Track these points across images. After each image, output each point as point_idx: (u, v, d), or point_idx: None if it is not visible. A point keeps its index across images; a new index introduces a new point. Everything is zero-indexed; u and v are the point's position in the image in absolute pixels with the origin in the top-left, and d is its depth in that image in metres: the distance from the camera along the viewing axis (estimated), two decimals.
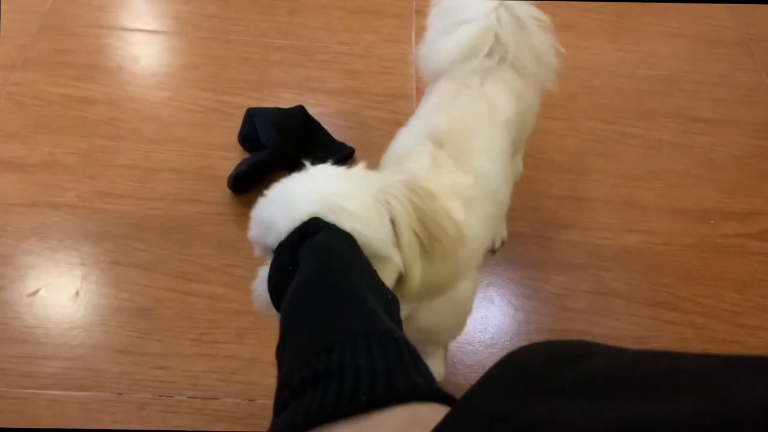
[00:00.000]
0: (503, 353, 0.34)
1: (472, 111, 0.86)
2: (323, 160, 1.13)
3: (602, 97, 1.33)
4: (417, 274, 0.64)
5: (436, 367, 0.95)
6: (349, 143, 1.18)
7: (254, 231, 0.64)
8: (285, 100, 1.23)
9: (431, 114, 0.86)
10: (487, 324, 0.99)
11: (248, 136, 1.15)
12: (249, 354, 0.93)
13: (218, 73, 1.29)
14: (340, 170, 0.63)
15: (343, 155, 1.15)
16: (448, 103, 0.87)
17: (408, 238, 0.63)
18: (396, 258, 0.62)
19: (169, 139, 1.16)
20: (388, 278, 0.62)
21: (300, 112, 1.18)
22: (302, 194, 0.60)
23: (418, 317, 0.74)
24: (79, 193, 1.08)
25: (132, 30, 1.35)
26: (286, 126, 1.13)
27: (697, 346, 0.99)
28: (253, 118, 1.14)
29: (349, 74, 1.31)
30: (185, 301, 0.97)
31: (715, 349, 0.99)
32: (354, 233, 0.58)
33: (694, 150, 1.25)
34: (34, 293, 0.96)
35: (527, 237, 1.10)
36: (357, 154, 1.17)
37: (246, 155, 1.14)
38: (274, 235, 0.59)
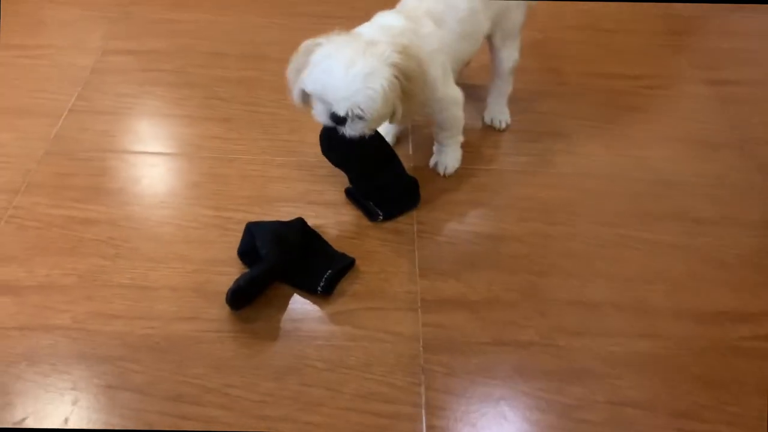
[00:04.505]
0: None
1: None
2: (323, 272, 1.12)
3: (601, 201, 1.33)
4: (399, 112, 1.09)
5: (454, 154, 1.35)
6: (349, 253, 1.17)
7: (315, 87, 1.06)
8: (285, 214, 1.23)
9: None
10: None
11: (247, 251, 1.14)
12: None
13: (220, 190, 1.30)
14: (368, 59, 1.02)
15: (343, 266, 1.14)
16: None
17: (398, 95, 1.05)
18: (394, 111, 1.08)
19: (168, 257, 1.15)
20: (385, 117, 1.08)
21: (299, 224, 1.18)
22: (348, 81, 1.02)
23: (434, 117, 1.26)
24: (74, 315, 1.05)
25: (135, 153, 1.39)
26: (285, 239, 1.12)
27: None
28: (253, 232, 1.14)
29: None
30: (179, 425, 0.92)
31: None
32: (373, 111, 1.03)
33: (700, 251, 1.24)
34: (21, 422, 0.92)
35: (537, 346, 1.06)
36: (357, 263, 1.16)
37: (245, 269, 1.12)
38: (328, 100, 1.04)
